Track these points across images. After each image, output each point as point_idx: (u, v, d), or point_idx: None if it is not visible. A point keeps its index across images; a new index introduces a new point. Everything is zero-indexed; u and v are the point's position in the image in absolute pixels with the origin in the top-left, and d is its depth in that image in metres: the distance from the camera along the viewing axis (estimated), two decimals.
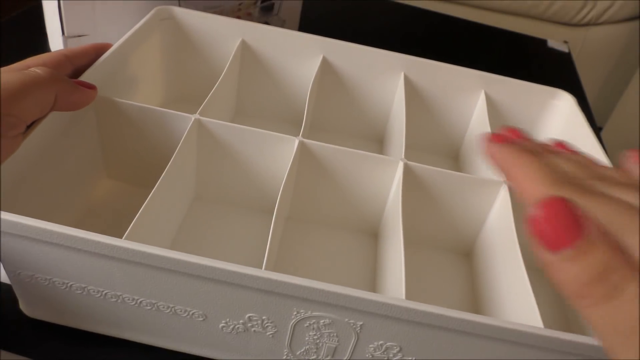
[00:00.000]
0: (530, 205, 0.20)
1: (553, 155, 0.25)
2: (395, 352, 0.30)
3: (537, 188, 0.22)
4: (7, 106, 0.29)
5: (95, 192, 0.42)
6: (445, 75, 0.49)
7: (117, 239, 0.27)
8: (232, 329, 0.31)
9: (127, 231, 0.30)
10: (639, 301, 0.17)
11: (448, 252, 0.44)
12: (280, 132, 0.39)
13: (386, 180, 0.41)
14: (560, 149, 0.28)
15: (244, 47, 0.49)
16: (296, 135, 0.40)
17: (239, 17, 0.54)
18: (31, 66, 0.33)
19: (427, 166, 0.39)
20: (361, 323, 0.29)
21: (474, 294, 0.41)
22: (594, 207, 0.20)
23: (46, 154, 0.34)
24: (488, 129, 0.45)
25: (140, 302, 0.31)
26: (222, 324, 0.31)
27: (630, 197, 0.20)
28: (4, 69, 0.31)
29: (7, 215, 0.27)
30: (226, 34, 0.49)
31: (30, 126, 0.33)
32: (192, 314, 0.31)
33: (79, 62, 0.38)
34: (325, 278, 0.28)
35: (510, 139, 0.27)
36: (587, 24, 1.44)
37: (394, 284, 0.33)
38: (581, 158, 0.26)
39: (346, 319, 0.29)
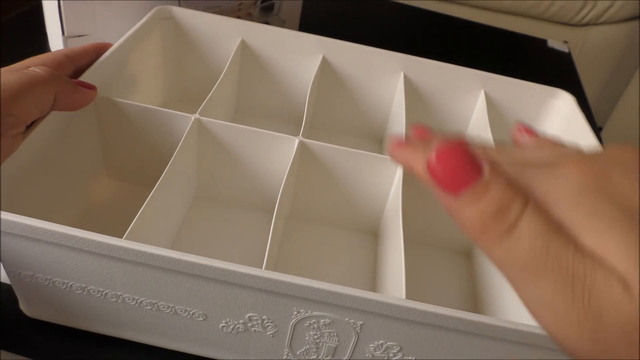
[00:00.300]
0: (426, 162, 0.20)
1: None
2: (395, 351, 0.30)
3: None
4: (6, 106, 0.29)
5: (95, 191, 0.42)
6: (445, 75, 0.49)
7: (118, 238, 0.27)
8: (233, 328, 0.31)
9: (128, 231, 0.30)
10: (530, 237, 0.18)
11: (448, 251, 0.44)
12: (280, 131, 0.39)
13: (386, 180, 0.41)
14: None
15: (244, 47, 0.49)
16: (296, 135, 0.40)
17: (239, 17, 0.54)
18: (31, 66, 0.33)
19: None
20: (361, 323, 0.29)
21: (474, 294, 0.41)
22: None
23: (46, 153, 0.34)
24: (488, 129, 0.45)
25: (141, 301, 0.31)
26: (223, 324, 0.31)
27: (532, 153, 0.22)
28: (3, 69, 0.31)
29: (7, 215, 0.27)
30: (226, 33, 0.49)
31: (30, 126, 0.33)
32: (193, 313, 0.31)
33: (80, 62, 0.38)
34: (326, 277, 0.28)
35: (418, 137, 0.26)
36: (587, 24, 1.44)
37: (394, 284, 0.33)
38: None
39: (346, 319, 0.29)
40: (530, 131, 0.28)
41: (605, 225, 0.18)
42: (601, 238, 0.18)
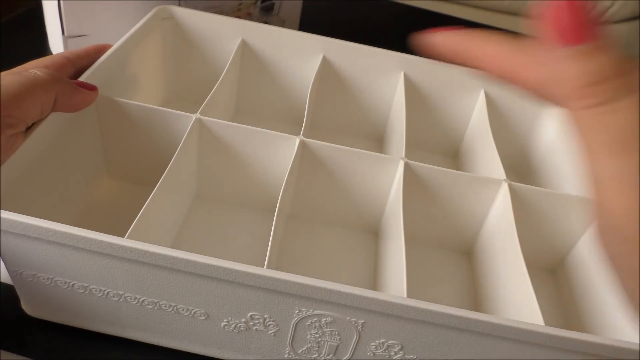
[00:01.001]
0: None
1: None
2: (396, 350, 0.30)
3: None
4: (6, 108, 0.29)
5: (96, 191, 0.42)
6: (445, 74, 0.49)
7: (119, 237, 0.27)
8: (234, 327, 0.31)
9: (129, 230, 0.30)
10: (632, 114, 0.18)
11: (449, 250, 0.45)
12: (281, 131, 0.40)
13: (387, 179, 0.41)
14: None
15: (244, 46, 0.50)
16: (297, 134, 0.40)
17: (239, 17, 0.54)
18: (32, 69, 0.33)
19: (427, 165, 0.39)
20: (363, 321, 0.29)
21: (475, 292, 0.41)
22: None
23: (48, 153, 0.34)
24: (488, 128, 0.45)
25: (142, 301, 0.31)
26: (224, 323, 0.31)
27: None
28: (4, 72, 0.31)
29: (9, 215, 0.27)
30: (226, 33, 0.49)
31: (31, 126, 0.33)
32: (194, 312, 0.31)
33: (81, 64, 0.38)
34: (327, 276, 0.29)
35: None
36: None
37: (395, 282, 0.33)
38: None
39: (348, 317, 0.29)
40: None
41: None
42: None
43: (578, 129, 0.20)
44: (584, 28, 0.19)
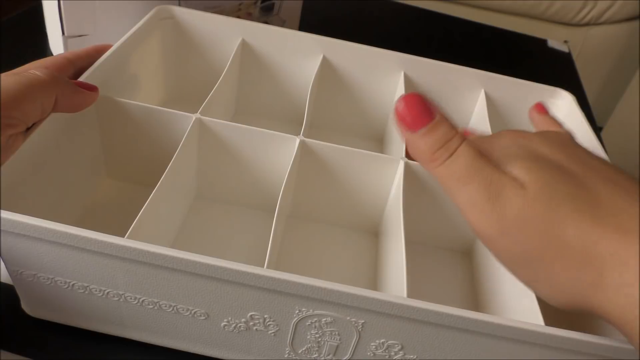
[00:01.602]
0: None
1: None
2: (396, 350, 0.30)
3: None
4: (6, 109, 0.29)
5: (96, 191, 0.42)
6: (445, 75, 0.49)
7: (120, 237, 0.27)
8: (234, 327, 0.31)
9: (129, 230, 0.30)
10: (465, 157, 0.26)
11: (449, 250, 0.45)
12: (281, 131, 0.40)
13: (387, 179, 0.41)
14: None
15: (244, 46, 0.50)
16: (297, 134, 0.40)
17: (239, 17, 0.54)
18: (32, 70, 0.33)
19: None
20: (363, 321, 0.29)
21: (475, 292, 0.41)
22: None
23: (48, 153, 0.34)
24: (488, 128, 0.45)
25: (143, 301, 0.31)
26: (224, 323, 0.31)
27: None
28: (4, 73, 0.31)
29: (9, 214, 0.27)
30: (226, 33, 0.49)
31: (31, 126, 0.33)
32: (194, 312, 0.31)
33: (81, 64, 0.38)
34: (327, 276, 0.29)
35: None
36: (587, 24, 1.44)
37: (396, 282, 0.33)
38: None
39: (348, 317, 0.29)
40: (543, 109, 0.40)
41: (517, 159, 0.27)
42: (514, 164, 0.26)
43: (440, 181, 0.28)
44: (421, 115, 0.27)
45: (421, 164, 0.29)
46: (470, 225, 0.27)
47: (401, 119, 0.28)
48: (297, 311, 0.29)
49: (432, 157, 0.27)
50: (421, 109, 0.27)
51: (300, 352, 0.32)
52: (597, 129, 0.63)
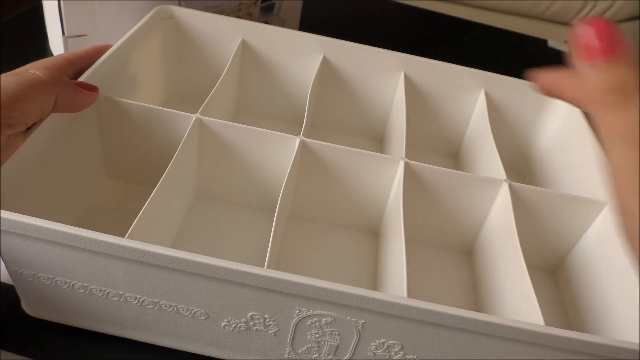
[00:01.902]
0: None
1: None
2: (396, 350, 0.30)
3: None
4: (6, 109, 0.29)
5: (96, 191, 0.42)
6: (445, 75, 0.49)
7: (120, 237, 0.27)
8: (234, 327, 0.31)
9: (129, 230, 0.30)
10: None
11: (449, 250, 0.45)
12: (281, 131, 0.40)
13: (387, 179, 0.41)
14: None
15: (245, 46, 0.50)
16: (297, 134, 0.40)
17: (239, 17, 0.54)
18: (32, 70, 0.33)
19: (427, 165, 0.39)
20: (363, 321, 0.29)
21: (475, 292, 0.41)
22: None
23: (48, 153, 0.34)
24: (488, 128, 0.45)
25: (143, 301, 0.31)
26: (224, 323, 0.31)
27: None
28: (4, 74, 0.31)
29: (9, 214, 0.27)
30: (226, 33, 0.49)
31: (31, 126, 0.33)
32: (194, 312, 0.31)
33: (81, 64, 0.38)
34: (327, 276, 0.29)
35: None
36: None
37: (396, 282, 0.33)
38: None
39: (348, 317, 0.29)
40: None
41: None
42: None
43: (601, 128, 0.24)
44: (609, 47, 0.24)
45: (581, 103, 0.25)
46: (616, 191, 0.24)
47: (586, 45, 0.24)
48: (297, 311, 0.29)
49: (601, 98, 0.24)
50: (611, 39, 0.24)
51: (300, 352, 0.32)
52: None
